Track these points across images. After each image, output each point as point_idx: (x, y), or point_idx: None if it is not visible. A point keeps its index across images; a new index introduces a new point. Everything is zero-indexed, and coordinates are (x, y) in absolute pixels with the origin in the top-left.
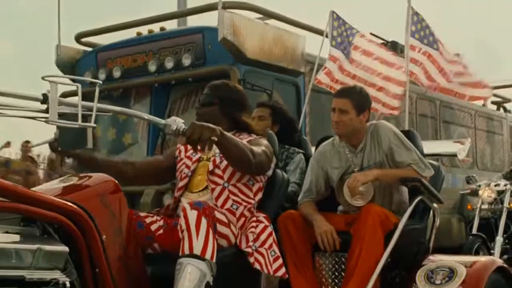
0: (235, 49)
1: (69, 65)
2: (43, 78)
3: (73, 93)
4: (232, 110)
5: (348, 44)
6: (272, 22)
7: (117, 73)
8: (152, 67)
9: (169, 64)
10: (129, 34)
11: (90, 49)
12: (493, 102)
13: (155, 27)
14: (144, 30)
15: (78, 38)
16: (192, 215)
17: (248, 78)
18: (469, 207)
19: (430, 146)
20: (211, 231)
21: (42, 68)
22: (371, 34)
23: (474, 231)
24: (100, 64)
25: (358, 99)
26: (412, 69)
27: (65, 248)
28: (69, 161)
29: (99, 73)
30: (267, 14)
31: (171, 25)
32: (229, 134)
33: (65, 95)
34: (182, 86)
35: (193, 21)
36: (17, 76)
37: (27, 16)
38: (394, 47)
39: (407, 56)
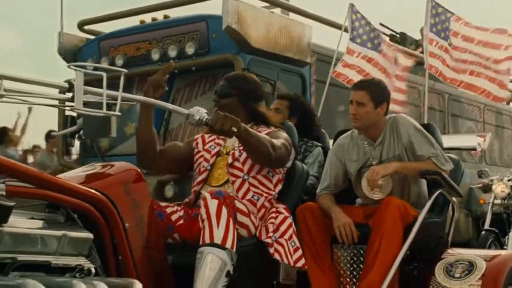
0: (240, 38)
1: (72, 53)
2: (69, 66)
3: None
4: (249, 101)
5: (376, 38)
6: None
7: (119, 62)
8: (155, 56)
9: (172, 53)
10: (133, 22)
11: (93, 37)
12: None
13: (159, 15)
14: (147, 18)
15: (81, 25)
16: (213, 204)
17: (252, 67)
18: (481, 201)
19: (449, 140)
20: (231, 221)
21: (50, 60)
22: (381, 24)
23: (487, 226)
24: (102, 52)
25: (375, 91)
26: (431, 63)
27: (90, 235)
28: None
29: (101, 62)
30: (273, 3)
31: (176, 13)
32: (250, 129)
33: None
34: (186, 75)
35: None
36: (25, 68)
37: (34, 6)
38: (403, 39)
39: (426, 49)
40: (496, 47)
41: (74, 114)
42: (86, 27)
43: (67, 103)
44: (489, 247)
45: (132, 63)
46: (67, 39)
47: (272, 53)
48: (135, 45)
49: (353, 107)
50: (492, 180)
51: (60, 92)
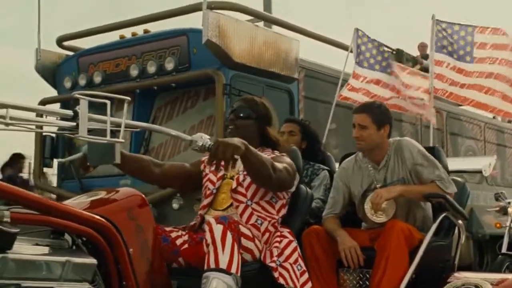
0: (221, 52)
1: (50, 71)
2: (73, 95)
3: (53, 100)
4: (265, 127)
5: (384, 60)
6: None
7: (98, 79)
8: (134, 72)
9: (151, 69)
10: (113, 37)
11: (72, 53)
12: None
13: (139, 30)
14: (128, 32)
15: (60, 42)
16: (218, 229)
17: (235, 83)
18: (497, 225)
19: (454, 163)
20: (236, 245)
21: None
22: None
23: (504, 250)
24: (81, 69)
25: (377, 114)
26: (437, 86)
27: (94, 261)
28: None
29: (80, 79)
30: (258, 16)
31: (157, 27)
32: (253, 148)
33: (45, 101)
34: (168, 93)
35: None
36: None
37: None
38: (399, 55)
39: (431, 72)
40: None
41: (53, 135)
42: (65, 43)
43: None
44: (505, 272)
45: (111, 80)
46: (45, 56)
47: (256, 68)
48: (114, 61)
49: (356, 130)
50: (509, 202)
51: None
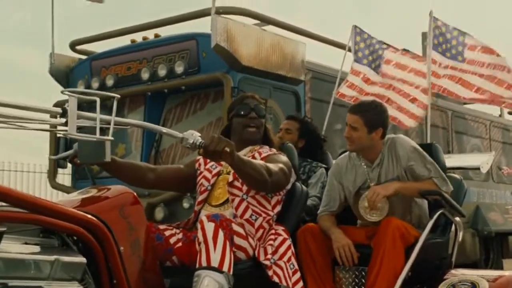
0: (229, 56)
1: (63, 74)
2: (62, 92)
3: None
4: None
5: (379, 58)
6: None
7: (110, 82)
8: (145, 75)
9: (161, 72)
10: (124, 41)
11: (85, 57)
12: (510, 113)
13: (150, 34)
14: (139, 37)
15: (73, 46)
16: (209, 227)
17: (243, 86)
18: None
19: (452, 160)
20: (228, 243)
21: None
22: (380, 42)
23: None
24: (94, 72)
25: (370, 116)
26: (434, 82)
27: (83, 259)
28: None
29: (93, 82)
30: (265, 20)
31: (168, 31)
32: (243, 157)
33: (58, 104)
34: (178, 95)
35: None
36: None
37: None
38: None
39: (428, 68)
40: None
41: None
42: (78, 47)
43: (60, 128)
44: None
45: (123, 83)
46: (59, 60)
47: (264, 71)
48: (126, 64)
49: (347, 130)
50: None
51: (52, 117)
